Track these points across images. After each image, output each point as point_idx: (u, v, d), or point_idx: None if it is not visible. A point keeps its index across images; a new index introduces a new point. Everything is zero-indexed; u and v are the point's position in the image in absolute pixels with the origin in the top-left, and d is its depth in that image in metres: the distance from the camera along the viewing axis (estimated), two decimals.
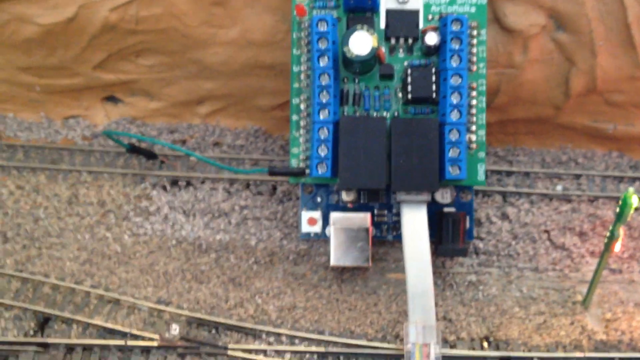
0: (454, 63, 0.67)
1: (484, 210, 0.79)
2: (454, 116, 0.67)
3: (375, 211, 0.75)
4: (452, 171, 0.67)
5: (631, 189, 0.63)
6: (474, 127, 0.71)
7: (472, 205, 0.74)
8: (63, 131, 0.86)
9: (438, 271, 0.75)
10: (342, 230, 0.71)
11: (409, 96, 0.70)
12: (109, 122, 0.86)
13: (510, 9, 0.75)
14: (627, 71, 0.78)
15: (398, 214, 0.73)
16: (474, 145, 0.71)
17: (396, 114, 0.71)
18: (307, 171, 0.71)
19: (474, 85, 0.71)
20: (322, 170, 0.68)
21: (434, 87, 0.69)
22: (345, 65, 0.71)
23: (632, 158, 0.84)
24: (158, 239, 0.78)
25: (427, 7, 0.71)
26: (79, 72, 0.82)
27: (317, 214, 0.75)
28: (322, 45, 0.68)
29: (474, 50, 0.71)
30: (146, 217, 0.79)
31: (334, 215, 0.72)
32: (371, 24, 0.72)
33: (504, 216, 0.79)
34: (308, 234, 0.75)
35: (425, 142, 0.67)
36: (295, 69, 0.72)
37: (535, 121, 0.84)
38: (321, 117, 0.69)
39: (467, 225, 0.73)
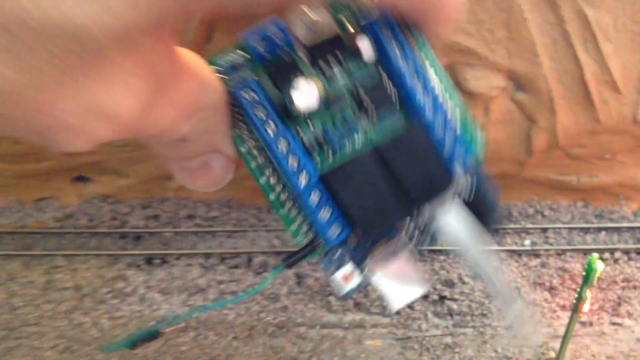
0: None
1: (455, 270, 0.81)
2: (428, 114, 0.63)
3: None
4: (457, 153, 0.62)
5: (595, 254, 0.65)
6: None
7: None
8: (34, 214, 0.86)
9: (414, 336, 0.76)
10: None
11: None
12: (81, 202, 0.86)
13: (470, 74, 0.77)
14: (587, 126, 0.80)
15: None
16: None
17: (367, 130, 0.64)
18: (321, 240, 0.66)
19: None
20: (337, 231, 0.61)
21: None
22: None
23: (597, 207, 0.86)
24: (136, 321, 0.78)
25: None
26: (48, 157, 0.82)
27: (348, 268, 0.68)
28: (261, 113, 0.60)
29: None
30: (123, 299, 0.79)
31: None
32: (296, 66, 0.62)
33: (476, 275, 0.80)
34: (349, 293, 0.67)
35: (420, 147, 0.61)
36: (242, 149, 0.66)
37: (501, 177, 0.85)
38: (303, 183, 0.63)
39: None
